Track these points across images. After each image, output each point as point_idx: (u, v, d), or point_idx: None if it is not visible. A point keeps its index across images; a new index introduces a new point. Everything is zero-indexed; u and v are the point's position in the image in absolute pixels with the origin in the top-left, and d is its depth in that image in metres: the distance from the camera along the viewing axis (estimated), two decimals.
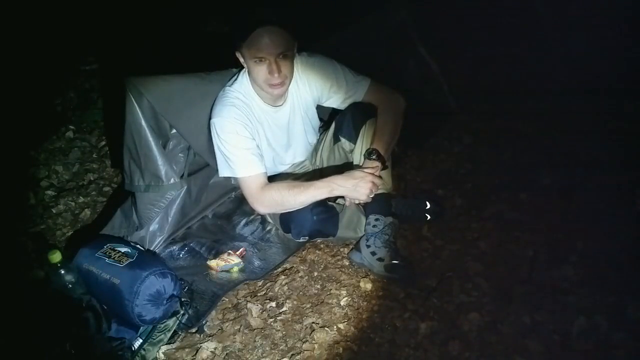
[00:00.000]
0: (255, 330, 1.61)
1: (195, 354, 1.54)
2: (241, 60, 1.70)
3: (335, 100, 1.90)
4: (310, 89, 1.85)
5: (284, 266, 1.86)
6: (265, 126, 1.86)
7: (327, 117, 2.11)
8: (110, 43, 3.66)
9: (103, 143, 2.82)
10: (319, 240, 1.96)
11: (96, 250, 1.66)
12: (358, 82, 1.86)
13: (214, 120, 1.76)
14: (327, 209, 1.83)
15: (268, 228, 2.04)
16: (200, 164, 1.98)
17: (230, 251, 1.92)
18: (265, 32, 1.57)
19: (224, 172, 1.82)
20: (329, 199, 1.96)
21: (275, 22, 1.58)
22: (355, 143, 1.82)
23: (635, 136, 2.28)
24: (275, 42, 1.59)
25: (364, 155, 1.75)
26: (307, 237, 1.90)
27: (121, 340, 1.55)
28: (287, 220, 1.86)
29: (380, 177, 1.69)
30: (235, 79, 1.82)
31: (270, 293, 1.75)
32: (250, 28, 1.57)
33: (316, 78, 1.84)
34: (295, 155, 2.03)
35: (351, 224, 1.86)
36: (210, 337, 1.60)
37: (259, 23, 1.57)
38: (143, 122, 1.75)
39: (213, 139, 1.80)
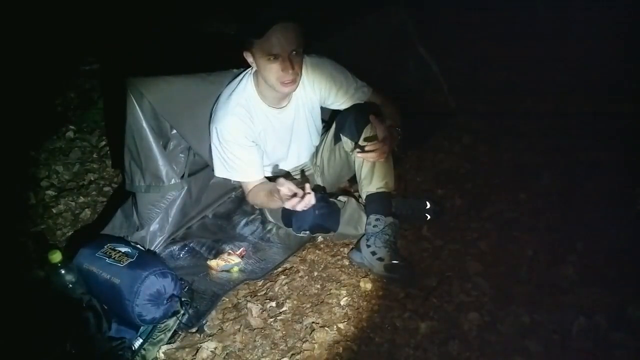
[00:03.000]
0: (256, 330, 1.61)
1: (196, 353, 1.55)
2: (249, 60, 1.70)
3: (338, 104, 1.91)
4: (316, 90, 1.86)
5: (284, 266, 1.86)
6: (269, 131, 1.86)
7: (327, 118, 2.11)
8: (111, 43, 3.66)
9: (103, 143, 2.82)
10: (319, 240, 1.96)
11: (96, 250, 1.66)
12: (361, 89, 1.88)
13: (215, 126, 1.78)
14: (328, 204, 1.84)
15: (268, 228, 2.04)
16: (201, 164, 1.98)
17: (230, 251, 1.92)
18: (279, 29, 1.58)
19: (220, 173, 1.87)
20: (330, 195, 1.97)
21: (289, 18, 1.59)
22: (357, 141, 1.82)
23: (635, 136, 2.28)
24: (289, 38, 1.60)
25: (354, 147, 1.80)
26: (307, 232, 1.90)
27: (121, 340, 1.55)
28: (288, 214, 1.87)
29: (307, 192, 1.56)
30: (239, 83, 1.82)
31: (270, 293, 1.75)
32: (266, 25, 1.57)
33: (323, 80, 1.84)
34: (299, 157, 2.04)
35: (352, 220, 1.87)
36: (210, 337, 1.60)
37: (275, 20, 1.57)
38: (144, 123, 1.76)
39: (212, 142, 1.82)
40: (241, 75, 1.83)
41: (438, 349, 1.46)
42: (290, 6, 1.63)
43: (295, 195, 1.54)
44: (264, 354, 1.53)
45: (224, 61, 1.90)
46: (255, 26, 1.59)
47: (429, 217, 1.96)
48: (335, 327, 1.57)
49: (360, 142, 1.79)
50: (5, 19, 3.48)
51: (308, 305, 1.67)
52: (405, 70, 2.60)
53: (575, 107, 2.61)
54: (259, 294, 1.75)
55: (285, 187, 1.56)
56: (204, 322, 1.64)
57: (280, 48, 1.60)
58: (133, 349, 1.54)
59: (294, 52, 1.63)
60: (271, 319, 1.64)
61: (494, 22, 3.33)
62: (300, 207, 1.55)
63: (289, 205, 1.55)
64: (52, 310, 1.53)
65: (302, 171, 2.08)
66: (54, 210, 2.33)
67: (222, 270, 1.85)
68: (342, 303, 1.65)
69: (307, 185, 1.54)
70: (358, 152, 1.75)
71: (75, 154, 2.76)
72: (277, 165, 2.01)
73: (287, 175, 2.03)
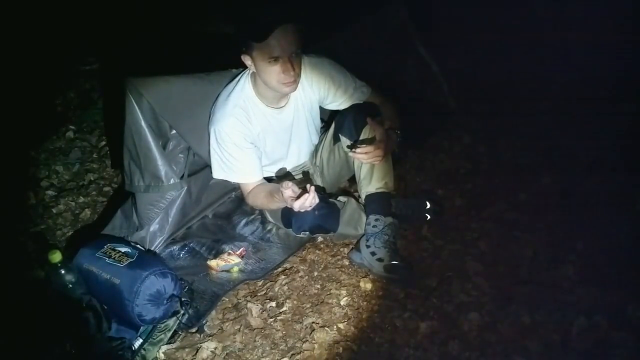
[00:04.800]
0: (255, 330, 1.61)
1: (196, 353, 1.55)
2: (248, 62, 1.70)
3: (337, 104, 1.91)
4: (315, 90, 1.86)
5: (284, 266, 1.86)
6: (268, 131, 1.86)
7: (326, 117, 2.11)
8: (111, 43, 3.66)
9: (103, 143, 2.82)
10: (319, 240, 1.96)
11: (96, 250, 1.66)
12: (360, 89, 1.89)
13: (213, 128, 1.79)
14: (328, 204, 1.84)
15: (268, 228, 2.04)
16: (201, 164, 1.98)
17: (230, 251, 1.92)
18: (279, 32, 1.58)
19: (218, 174, 1.88)
20: (330, 195, 1.97)
21: (289, 20, 1.59)
22: (354, 142, 1.82)
23: (635, 137, 2.28)
24: (289, 40, 1.60)
25: (348, 146, 1.81)
26: (307, 232, 1.90)
27: (121, 340, 1.55)
28: (288, 214, 1.87)
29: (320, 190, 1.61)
30: (236, 84, 1.82)
31: (270, 293, 1.75)
32: (267, 30, 1.56)
33: (322, 80, 1.85)
34: (299, 156, 2.04)
35: (352, 220, 1.87)
36: (210, 337, 1.60)
37: (275, 24, 1.57)
38: (143, 123, 1.76)
39: (211, 143, 1.83)
40: (239, 76, 1.83)
41: (438, 349, 1.46)
42: (290, 8, 1.63)
43: (299, 196, 1.54)
44: (264, 354, 1.53)
45: (223, 61, 1.90)
46: (256, 30, 1.59)
47: (429, 217, 1.96)
48: (335, 327, 1.57)
49: (356, 143, 1.79)
50: (6, 19, 3.48)
51: (308, 305, 1.67)
52: (405, 70, 2.60)
53: (574, 107, 2.60)
54: (259, 294, 1.75)
55: (290, 189, 1.56)
56: (204, 322, 1.64)
57: (281, 50, 1.60)
58: (133, 349, 1.54)
59: (295, 54, 1.63)
60: (271, 319, 1.64)
61: (494, 22, 3.33)
62: (305, 207, 1.56)
63: (296, 206, 1.55)
64: (52, 310, 1.53)
65: (304, 172, 2.08)
66: (54, 210, 2.33)
67: (222, 270, 1.85)
68: (342, 303, 1.65)
69: (309, 186, 1.54)
70: (351, 152, 1.75)
71: (75, 154, 2.76)
72: (277, 165, 2.01)
73: (287, 174, 2.04)
